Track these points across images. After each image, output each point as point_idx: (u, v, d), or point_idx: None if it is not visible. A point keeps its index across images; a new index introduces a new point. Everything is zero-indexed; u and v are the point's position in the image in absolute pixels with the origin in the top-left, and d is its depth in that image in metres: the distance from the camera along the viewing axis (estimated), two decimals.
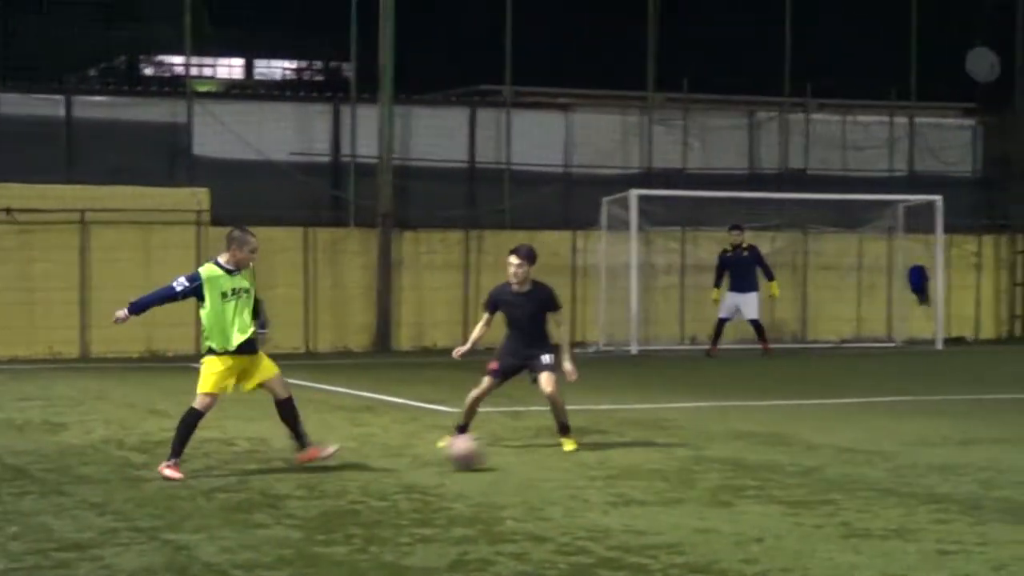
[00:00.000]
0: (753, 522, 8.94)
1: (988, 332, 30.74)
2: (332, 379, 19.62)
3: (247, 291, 10.97)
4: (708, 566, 7.67)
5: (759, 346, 25.51)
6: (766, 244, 28.21)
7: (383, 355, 25.45)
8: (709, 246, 27.83)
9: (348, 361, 24.32)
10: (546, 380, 12.15)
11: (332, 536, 8.47)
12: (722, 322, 25.76)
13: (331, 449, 11.31)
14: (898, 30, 31.78)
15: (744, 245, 25.98)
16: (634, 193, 26.70)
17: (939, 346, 27.79)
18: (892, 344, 28.66)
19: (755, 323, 25.69)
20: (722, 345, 25.65)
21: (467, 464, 11.10)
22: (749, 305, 25.63)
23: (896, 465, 11.49)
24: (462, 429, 12.21)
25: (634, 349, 26.05)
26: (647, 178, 29.54)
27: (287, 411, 11.15)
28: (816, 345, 28.33)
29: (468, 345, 12.57)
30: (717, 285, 25.96)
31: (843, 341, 28.60)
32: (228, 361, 10.85)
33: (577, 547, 8.14)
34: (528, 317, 12.29)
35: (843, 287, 29.31)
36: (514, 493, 10.03)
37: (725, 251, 26.05)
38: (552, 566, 7.65)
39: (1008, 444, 12.97)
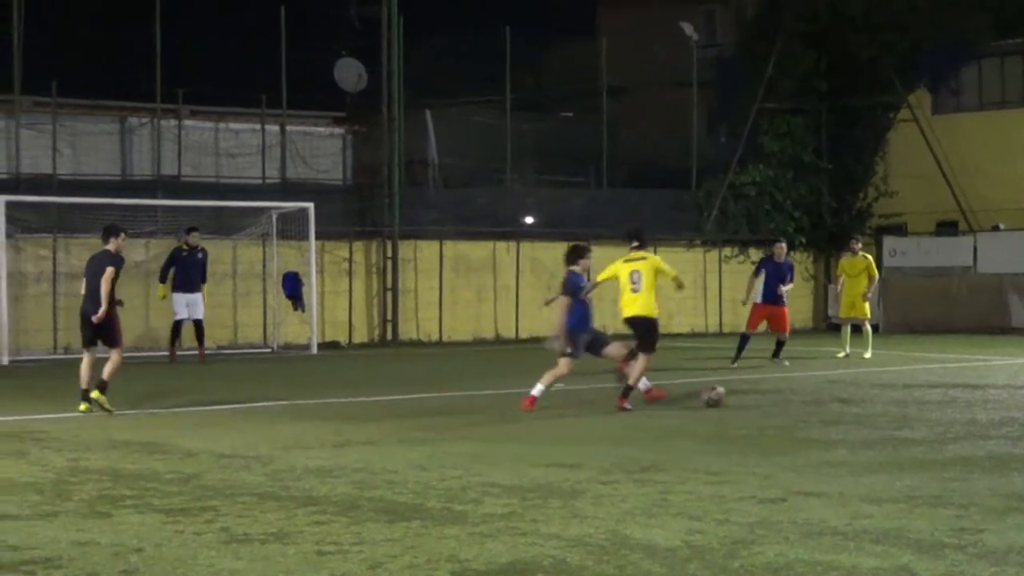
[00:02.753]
0: (132, 532, 8.87)
1: (361, 336, 31.76)
2: None
3: None
4: None
5: (167, 352, 26.06)
6: (140, 251, 27.97)
7: None
8: (81, 253, 27.20)
9: None
10: None
11: None
12: (178, 324, 26.12)
13: None
14: (269, 38, 32.30)
15: (199, 247, 26.24)
16: (1, 199, 25.83)
17: (314, 351, 28.49)
18: (269, 350, 29.09)
19: (199, 323, 26.32)
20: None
21: None
22: (197, 305, 26.18)
23: (274, 469, 11.69)
24: None
25: (4, 359, 25.22)
26: (15, 184, 28.58)
27: None
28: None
29: None
30: (163, 281, 26.28)
31: (220, 348, 28.74)
32: None
33: None
34: None
35: (218, 293, 29.41)
36: None
37: (181, 249, 26.16)
38: None
39: (381, 445, 13.48)
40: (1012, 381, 20.78)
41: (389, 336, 31.90)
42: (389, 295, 32.00)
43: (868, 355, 25.56)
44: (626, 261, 17.92)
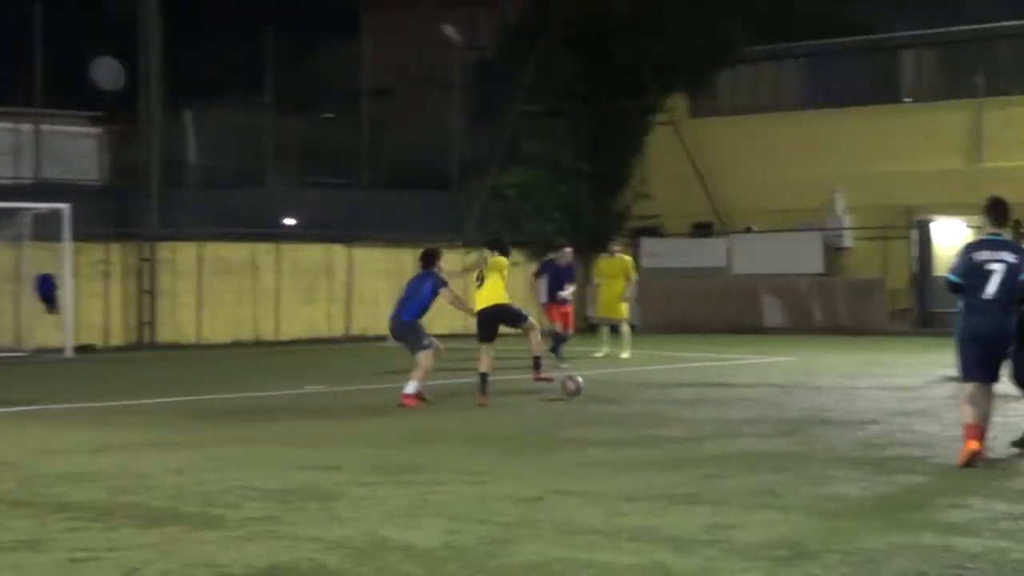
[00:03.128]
0: None
1: (118, 339, 31.14)
2: None
3: None
4: None
5: None
6: None
7: None
8: None
9: None
10: None
11: None
12: None
13: None
14: (23, 34, 31.45)
15: None
16: None
17: (69, 354, 27.81)
18: (22, 354, 28.30)
19: None
20: None
21: None
22: None
23: (25, 475, 11.40)
24: None
25: None
26: None
27: None
28: None
29: None
30: None
31: None
32: None
33: None
34: None
35: None
36: None
37: None
38: None
39: (137, 450, 13.25)
40: (763, 380, 21.42)
41: (147, 339, 31.34)
42: (147, 297, 31.44)
43: (626, 355, 26.05)
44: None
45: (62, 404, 17.99)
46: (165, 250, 31.75)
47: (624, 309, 27.00)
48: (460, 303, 19.21)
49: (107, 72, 33.19)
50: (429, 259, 18.74)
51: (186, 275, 31.92)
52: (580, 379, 18.29)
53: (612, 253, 27.34)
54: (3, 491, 10.63)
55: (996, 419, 12.56)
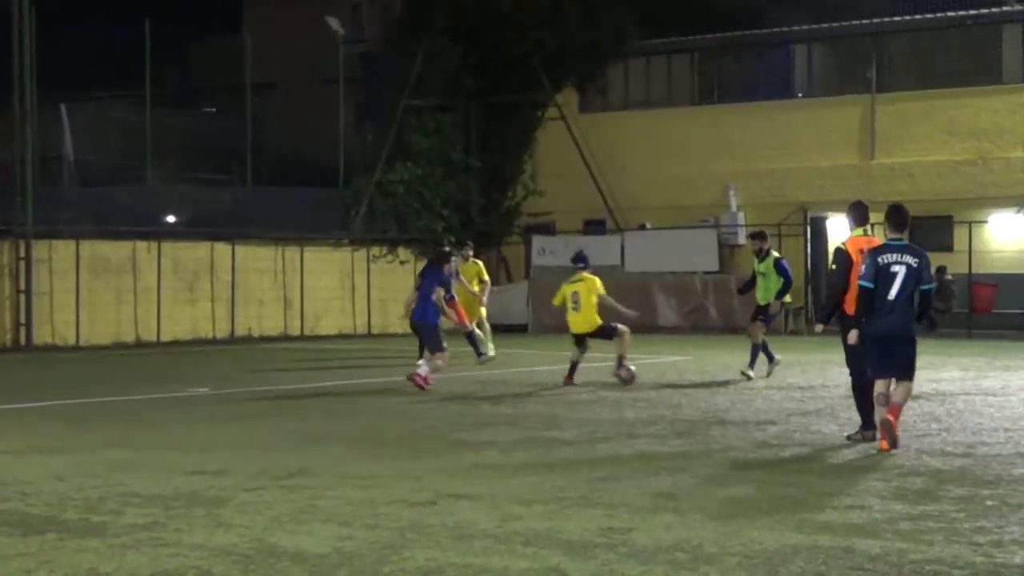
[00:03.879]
0: None
1: None
2: None
3: None
4: None
5: None
6: None
7: None
8: None
9: None
10: None
11: None
12: None
13: None
14: None
15: None
16: None
17: None
18: None
19: None
20: None
21: None
22: None
23: None
24: None
25: None
26: None
27: None
28: None
29: None
30: None
31: None
32: None
33: None
34: None
35: None
36: None
37: None
38: None
39: (14, 455, 13.02)
40: (659, 379, 21.56)
41: (23, 340, 30.84)
42: (23, 297, 30.94)
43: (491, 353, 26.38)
44: (569, 283, 20.88)
45: None
46: (41, 248, 31.26)
47: (481, 310, 27.16)
48: (446, 312, 21.17)
49: None
50: (440, 261, 20.79)
51: (64, 274, 31.45)
52: (632, 367, 20.54)
53: (465, 258, 27.56)
54: None
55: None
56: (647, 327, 35.89)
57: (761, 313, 21.88)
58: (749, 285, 22.59)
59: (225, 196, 36.11)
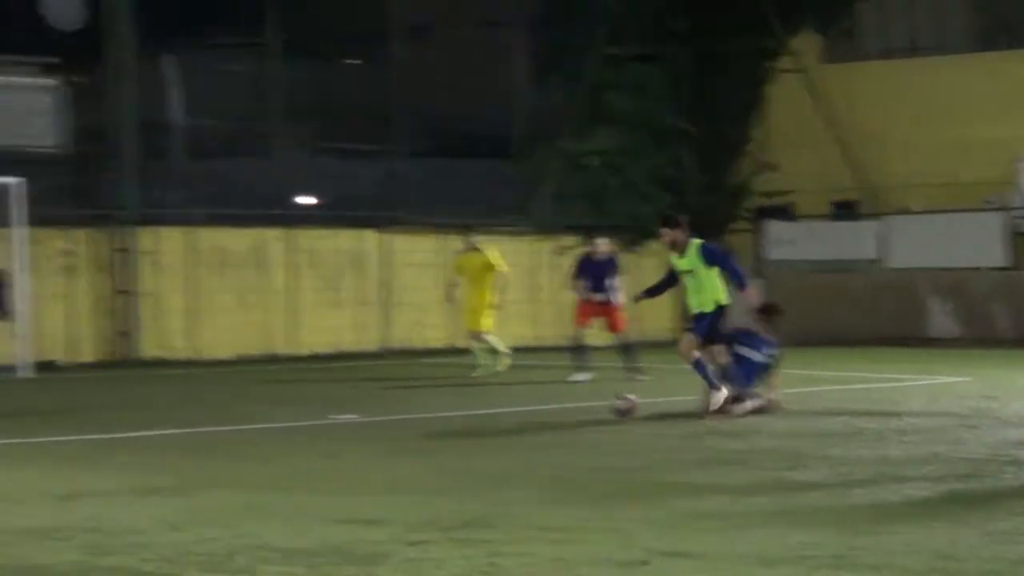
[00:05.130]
0: None
1: (88, 354, 31.30)
2: None
3: None
4: None
5: None
6: None
7: None
8: None
9: None
10: None
11: None
12: None
13: None
14: None
15: None
16: None
17: (25, 373, 28.04)
18: None
19: None
20: None
21: None
22: None
23: None
24: None
25: None
26: None
27: None
28: None
29: None
30: None
31: None
32: None
33: None
34: None
35: None
36: None
37: None
38: None
39: (118, 497, 13.34)
40: (932, 406, 21.30)
41: (124, 353, 31.52)
42: (123, 299, 31.61)
43: (479, 372, 26.93)
44: None
45: (17, 438, 18.13)
46: (146, 237, 31.91)
47: (485, 319, 27.22)
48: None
49: (63, 6, 33.39)
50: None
51: (173, 270, 32.08)
52: (634, 396, 19.59)
53: (470, 247, 27.52)
54: None
55: None
56: (915, 339, 35.51)
57: None
58: None
59: (373, 171, 36.47)
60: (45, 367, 29.42)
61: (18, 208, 28.62)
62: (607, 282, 26.20)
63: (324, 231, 33.97)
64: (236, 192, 33.86)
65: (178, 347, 32.06)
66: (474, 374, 27.13)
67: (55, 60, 34.28)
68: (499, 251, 28.22)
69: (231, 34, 36.79)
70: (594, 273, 26.35)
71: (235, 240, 32.95)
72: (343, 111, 38.27)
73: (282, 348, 33.12)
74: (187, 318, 32.16)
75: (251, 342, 32.88)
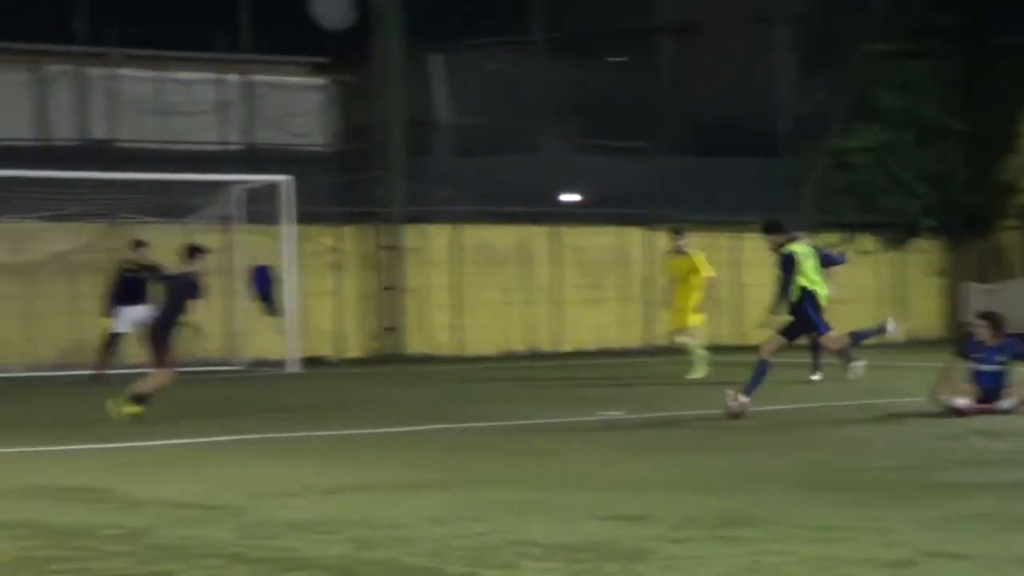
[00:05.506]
0: None
1: (354, 350, 31.76)
2: None
3: None
4: None
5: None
6: (63, 239, 28.12)
7: None
8: None
9: None
10: None
11: None
12: (115, 338, 26.90)
13: None
14: None
15: (151, 265, 26.77)
16: None
17: (294, 368, 28.48)
18: (236, 368, 29.08)
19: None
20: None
21: None
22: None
23: (245, 523, 11.70)
24: None
25: None
26: None
27: None
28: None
29: None
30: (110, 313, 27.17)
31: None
32: None
33: None
34: None
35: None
36: None
37: (126, 270, 27.06)
38: None
39: (383, 491, 13.49)
40: None
41: (390, 349, 31.90)
42: (389, 295, 31.98)
43: (695, 375, 26.53)
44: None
45: (287, 432, 18.46)
46: (412, 234, 32.26)
47: (690, 317, 26.83)
48: None
49: (332, 6, 33.87)
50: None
51: (439, 267, 32.41)
52: (743, 399, 19.48)
53: (677, 250, 27.05)
54: (219, 542, 10.92)
55: None
56: None
57: None
58: None
59: (637, 169, 36.45)
60: (313, 363, 29.86)
61: (287, 206, 29.05)
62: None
63: (588, 228, 34.02)
64: (501, 189, 34.06)
65: (443, 343, 32.35)
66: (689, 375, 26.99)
67: (324, 60, 34.79)
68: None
69: (497, 32, 37.02)
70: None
71: (500, 237, 33.18)
72: (607, 108, 38.32)
73: (546, 345, 33.25)
74: (452, 314, 32.44)
75: (515, 338, 33.08)
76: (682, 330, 27.24)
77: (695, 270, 26.95)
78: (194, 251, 20.30)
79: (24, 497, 13.14)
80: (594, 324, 33.94)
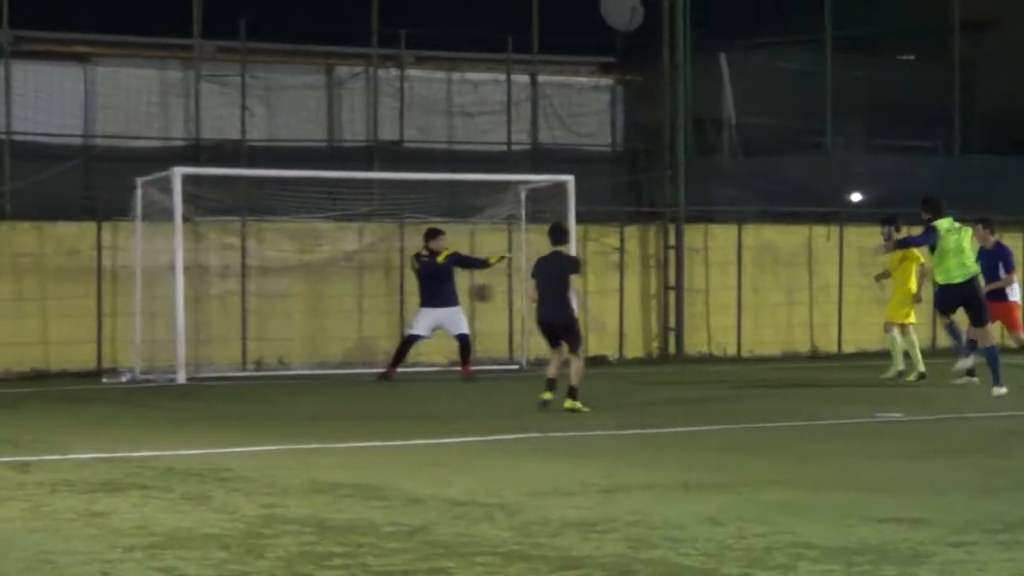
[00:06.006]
0: None
1: (635, 349, 31.78)
2: None
3: None
4: None
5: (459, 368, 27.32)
6: (353, 238, 28.56)
7: None
8: (278, 241, 27.94)
9: None
10: None
11: None
12: (411, 340, 27.02)
13: None
14: None
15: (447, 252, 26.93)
16: (178, 172, 26.52)
17: None
18: (516, 367, 29.30)
19: (464, 338, 27.36)
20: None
21: None
22: (455, 321, 27.21)
23: (523, 521, 11.79)
24: None
25: (181, 377, 25.95)
26: (195, 152, 29.38)
27: None
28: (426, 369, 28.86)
29: None
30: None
31: (452, 363, 28.94)
32: None
33: None
34: None
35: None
36: (24, 572, 9.84)
37: (420, 256, 26.98)
38: None
39: (661, 491, 13.50)
40: None
41: (672, 349, 31.88)
42: (672, 295, 31.96)
43: (889, 374, 26.53)
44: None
45: (563, 432, 18.54)
46: (695, 234, 32.21)
47: (906, 311, 26.29)
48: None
49: (620, 6, 33.91)
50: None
51: (722, 267, 32.28)
52: None
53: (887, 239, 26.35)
54: (494, 540, 11.02)
55: None
56: None
57: None
58: None
59: (925, 168, 35.90)
60: (595, 362, 29.91)
61: (571, 205, 29.16)
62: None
63: (873, 228, 33.57)
64: (785, 189, 33.84)
65: (724, 343, 32.23)
66: (908, 378, 26.69)
67: (611, 60, 34.87)
68: None
69: (785, 32, 36.78)
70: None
71: (784, 237, 32.96)
72: (897, 107, 37.84)
73: (829, 345, 32.95)
74: (735, 315, 32.29)
75: (798, 340, 32.82)
76: (894, 324, 26.76)
77: (905, 258, 26.55)
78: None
79: (306, 493, 13.39)
80: (877, 324, 33.42)
